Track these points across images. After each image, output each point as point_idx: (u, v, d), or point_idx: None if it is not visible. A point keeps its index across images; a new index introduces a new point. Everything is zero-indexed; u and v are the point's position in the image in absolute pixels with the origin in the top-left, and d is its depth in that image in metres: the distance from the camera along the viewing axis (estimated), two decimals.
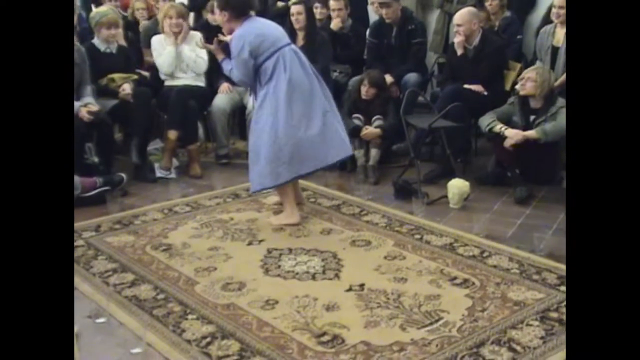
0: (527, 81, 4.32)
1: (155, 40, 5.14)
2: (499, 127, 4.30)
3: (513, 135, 4.22)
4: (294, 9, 5.31)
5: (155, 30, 5.33)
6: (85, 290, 3.09)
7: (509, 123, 4.37)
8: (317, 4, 5.71)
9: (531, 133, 4.20)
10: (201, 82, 5.20)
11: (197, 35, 5.17)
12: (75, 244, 3.63)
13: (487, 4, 5.52)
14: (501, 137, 4.27)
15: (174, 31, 5.05)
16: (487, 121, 4.37)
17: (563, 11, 4.69)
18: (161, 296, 3.01)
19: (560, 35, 4.79)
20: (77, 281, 3.16)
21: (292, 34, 5.10)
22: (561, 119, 4.13)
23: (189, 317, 2.82)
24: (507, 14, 5.62)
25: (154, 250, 3.54)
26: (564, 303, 2.83)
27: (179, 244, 3.61)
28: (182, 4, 6.19)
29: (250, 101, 5.08)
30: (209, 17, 5.73)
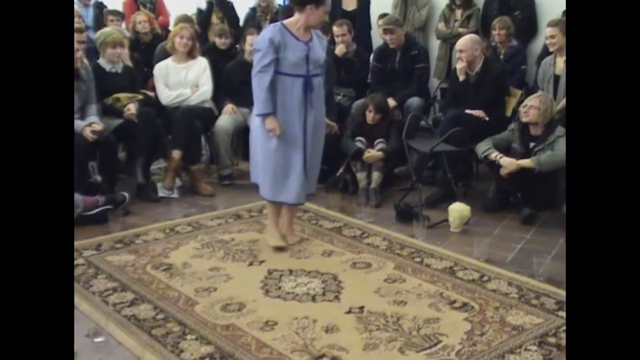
0: (530, 109, 4.32)
1: (157, 69, 5.17)
2: (494, 154, 4.32)
3: (507, 165, 4.24)
4: None
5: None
6: (85, 309, 3.09)
7: (508, 149, 4.39)
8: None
9: (526, 162, 4.21)
10: (207, 104, 5.25)
11: (203, 62, 5.21)
12: (75, 262, 3.64)
13: (494, 32, 5.57)
14: (498, 165, 4.29)
15: (182, 50, 5.10)
16: (483, 148, 4.39)
17: (555, 40, 4.77)
18: (160, 316, 3.02)
19: (560, 64, 4.83)
20: (77, 300, 3.16)
21: None
22: (558, 148, 4.15)
23: (188, 337, 2.82)
24: (514, 42, 5.67)
25: (155, 270, 3.55)
26: (563, 328, 2.83)
27: (179, 264, 3.62)
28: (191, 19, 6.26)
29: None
30: (216, 40, 5.82)
